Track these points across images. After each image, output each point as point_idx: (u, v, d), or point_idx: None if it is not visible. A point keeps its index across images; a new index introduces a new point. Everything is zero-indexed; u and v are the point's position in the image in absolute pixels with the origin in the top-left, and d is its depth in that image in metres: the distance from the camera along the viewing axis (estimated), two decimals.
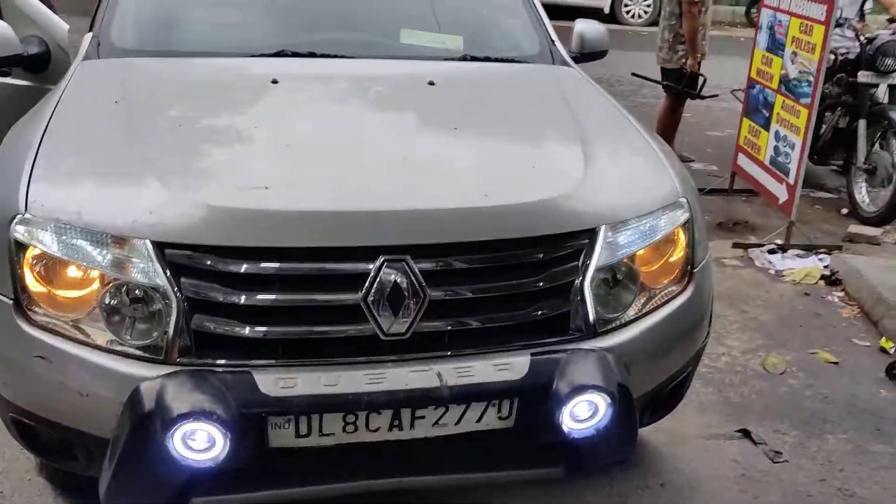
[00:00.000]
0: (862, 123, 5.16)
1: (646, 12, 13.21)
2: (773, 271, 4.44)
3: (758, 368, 3.41)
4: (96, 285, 1.77)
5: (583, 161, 2.06)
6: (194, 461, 1.65)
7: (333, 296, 1.76)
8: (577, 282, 1.88)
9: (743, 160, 5.39)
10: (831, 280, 4.32)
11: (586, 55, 3.11)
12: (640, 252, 1.99)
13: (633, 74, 6.20)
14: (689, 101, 6.05)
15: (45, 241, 1.77)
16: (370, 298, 1.74)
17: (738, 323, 3.81)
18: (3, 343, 1.82)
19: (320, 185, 1.85)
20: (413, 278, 1.75)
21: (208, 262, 1.72)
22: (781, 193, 4.76)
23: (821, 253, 4.65)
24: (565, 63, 2.90)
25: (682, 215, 2.08)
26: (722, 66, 7.66)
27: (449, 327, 1.81)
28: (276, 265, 1.74)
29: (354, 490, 1.90)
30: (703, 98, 5.78)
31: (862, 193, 5.24)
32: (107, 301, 1.76)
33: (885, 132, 5.03)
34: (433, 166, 1.98)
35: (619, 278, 1.96)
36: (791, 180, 4.63)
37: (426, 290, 1.76)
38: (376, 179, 1.88)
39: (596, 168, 2.04)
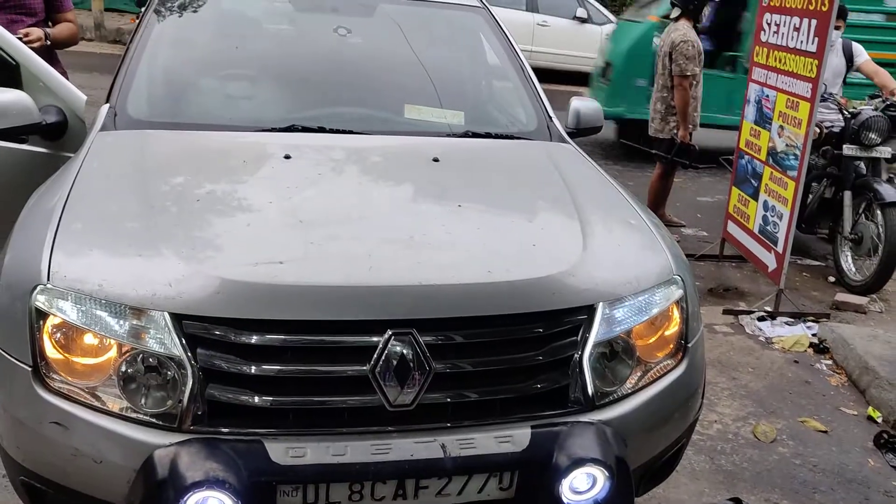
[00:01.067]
0: (847, 195, 5.31)
1: None
2: (762, 338, 4.53)
3: (749, 436, 3.47)
4: (114, 354, 1.83)
5: (581, 239, 2.15)
6: None
7: (342, 367, 1.82)
8: (576, 356, 1.95)
9: (732, 228, 5.52)
10: (819, 348, 4.41)
11: (582, 130, 3.23)
12: (636, 327, 2.07)
13: (622, 141, 6.38)
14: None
15: (66, 311, 1.83)
16: (378, 370, 1.81)
17: (729, 390, 3.88)
18: (20, 408, 1.87)
19: (332, 260, 1.93)
20: (419, 351, 1.83)
21: (224, 334, 1.79)
22: (770, 262, 4.88)
23: (809, 321, 4.75)
24: (562, 139, 3.01)
25: (676, 292, 2.17)
26: (710, 133, 7.87)
27: (451, 399, 1.87)
28: (289, 337, 1.81)
29: None
30: (696, 168, 5.95)
31: (848, 262, 5.37)
32: (123, 369, 1.82)
33: (869, 203, 5.18)
34: (439, 243, 2.06)
35: (616, 353, 2.04)
36: (780, 249, 4.75)
37: (431, 362, 1.83)
38: (385, 255, 1.96)
39: (594, 246, 2.14)
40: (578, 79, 13.45)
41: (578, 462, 1.83)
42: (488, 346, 1.91)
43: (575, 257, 2.07)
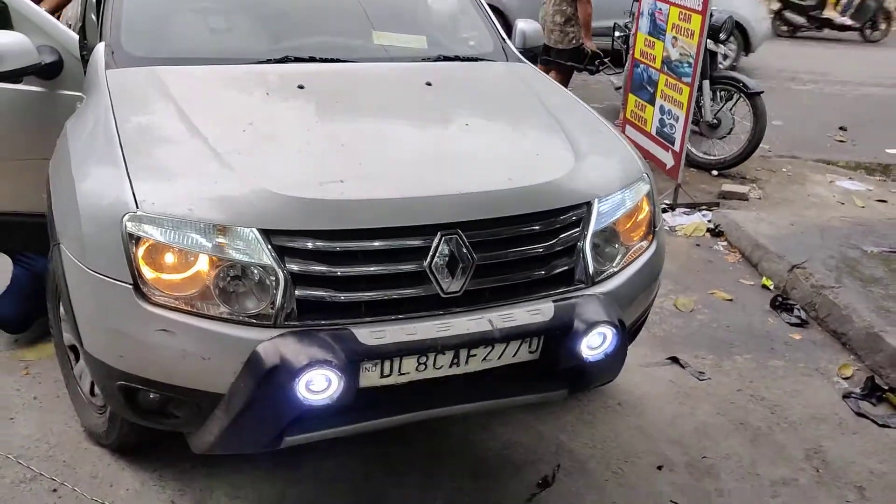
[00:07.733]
0: (706, 84, 5.94)
1: None
2: (667, 227, 5.17)
3: (672, 308, 4.10)
4: (206, 267, 2.12)
5: (571, 147, 2.58)
6: (315, 401, 2.05)
7: (404, 265, 2.20)
8: (580, 243, 2.41)
9: (630, 131, 6.11)
10: (715, 232, 5.11)
11: (527, 50, 3.62)
12: (619, 217, 2.54)
13: (544, 59, 6.76)
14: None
15: (158, 234, 2.10)
16: (432, 265, 2.20)
17: None
18: (124, 321, 2.13)
19: (383, 176, 2.27)
20: (464, 247, 2.23)
21: (306, 244, 2.12)
22: (668, 160, 5.51)
23: (703, 209, 5.44)
24: (518, 59, 3.40)
25: (644, 186, 2.65)
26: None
27: (489, 284, 2.29)
28: (358, 243, 2.16)
29: (417, 419, 2.37)
30: (602, 70, 6.51)
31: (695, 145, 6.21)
32: (217, 280, 2.12)
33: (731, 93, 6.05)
34: (464, 156, 2.45)
35: (606, 239, 2.51)
36: (677, 148, 5.38)
37: (474, 255, 2.24)
38: (424, 170, 2.33)
39: (582, 152, 2.57)
40: None
41: (594, 324, 2.28)
42: (514, 239, 2.33)
43: (571, 163, 2.50)
